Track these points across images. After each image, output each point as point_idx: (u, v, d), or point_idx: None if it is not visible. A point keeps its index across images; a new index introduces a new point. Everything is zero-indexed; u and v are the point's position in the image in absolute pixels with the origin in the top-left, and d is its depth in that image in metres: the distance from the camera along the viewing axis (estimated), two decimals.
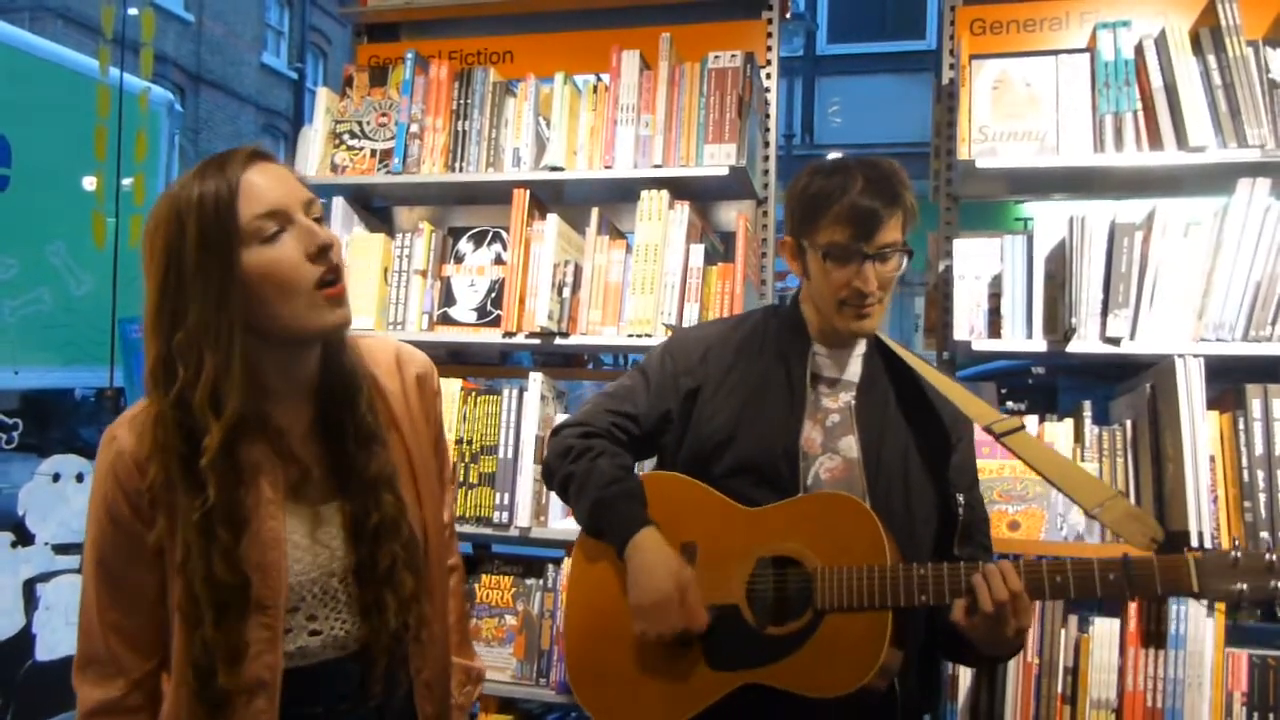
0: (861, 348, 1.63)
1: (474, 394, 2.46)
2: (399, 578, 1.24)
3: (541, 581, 2.43)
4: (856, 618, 1.41)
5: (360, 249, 2.56)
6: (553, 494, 2.38)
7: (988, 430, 1.58)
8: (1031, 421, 2.22)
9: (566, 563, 2.36)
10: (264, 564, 1.16)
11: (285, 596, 1.17)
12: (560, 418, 2.35)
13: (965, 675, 2.10)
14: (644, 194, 2.37)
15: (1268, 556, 1.30)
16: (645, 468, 1.79)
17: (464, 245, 2.58)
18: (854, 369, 1.62)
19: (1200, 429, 1.95)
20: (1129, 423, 2.12)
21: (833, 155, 1.61)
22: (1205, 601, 1.36)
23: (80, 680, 1.21)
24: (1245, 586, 1.30)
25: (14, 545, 2.81)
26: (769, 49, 2.56)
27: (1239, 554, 1.31)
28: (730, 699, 1.47)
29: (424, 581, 1.29)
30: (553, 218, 2.42)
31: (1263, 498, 1.94)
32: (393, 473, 1.25)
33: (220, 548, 1.12)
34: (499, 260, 2.52)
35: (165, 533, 1.15)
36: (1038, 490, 2.11)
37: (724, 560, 1.52)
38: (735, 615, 1.49)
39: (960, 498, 1.60)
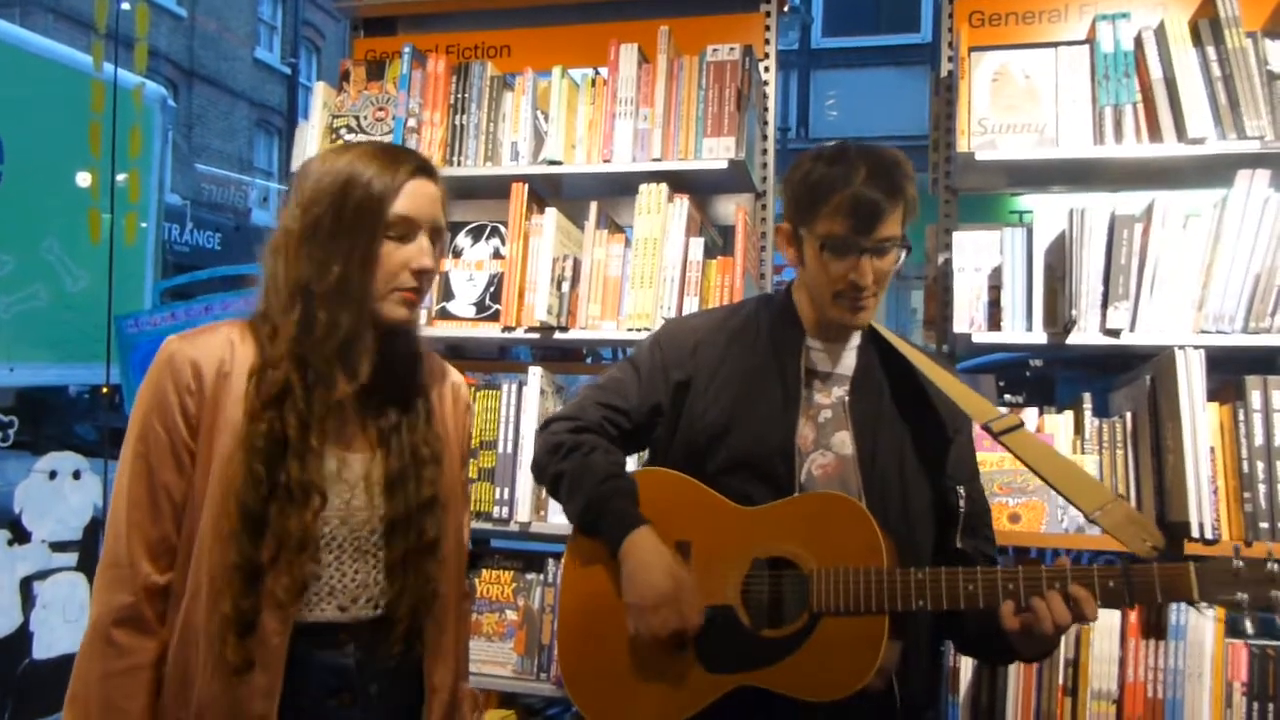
0: (856, 340, 1.60)
1: (473, 389, 2.45)
2: (428, 555, 1.33)
3: (541, 576, 2.43)
4: (853, 621, 1.40)
5: None
6: None
7: (985, 428, 1.55)
8: (1031, 414, 2.22)
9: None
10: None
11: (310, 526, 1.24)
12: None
13: (966, 668, 2.10)
14: (643, 188, 2.36)
15: (1269, 566, 1.29)
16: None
17: (462, 239, 2.57)
18: (848, 362, 1.59)
19: (1200, 420, 1.96)
20: (1129, 414, 2.12)
21: (833, 142, 1.57)
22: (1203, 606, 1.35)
23: (98, 586, 1.24)
24: (1246, 596, 1.29)
25: (10, 543, 2.81)
26: (767, 42, 2.56)
27: (1241, 563, 1.30)
28: (726, 701, 1.46)
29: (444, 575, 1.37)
30: (551, 211, 2.41)
31: (1262, 489, 1.95)
32: (440, 453, 1.37)
33: (298, 454, 1.22)
34: (497, 254, 2.51)
35: (206, 437, 1.23)
36: (1038, 483, 2.10)
37: (719, 560, 1.51)
38: (730, 617, 1.48)
39: (961, 490, 1.59)
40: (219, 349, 1.26)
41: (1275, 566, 1.28)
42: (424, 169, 1.32)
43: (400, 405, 1.34)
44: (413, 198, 1.28)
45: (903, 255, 1.51)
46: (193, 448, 1.24)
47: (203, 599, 1.20)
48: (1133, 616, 2.01)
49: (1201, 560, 1.33)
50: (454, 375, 1.50)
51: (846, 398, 1.56)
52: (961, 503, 1.57)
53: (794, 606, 1.45)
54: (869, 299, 1.50)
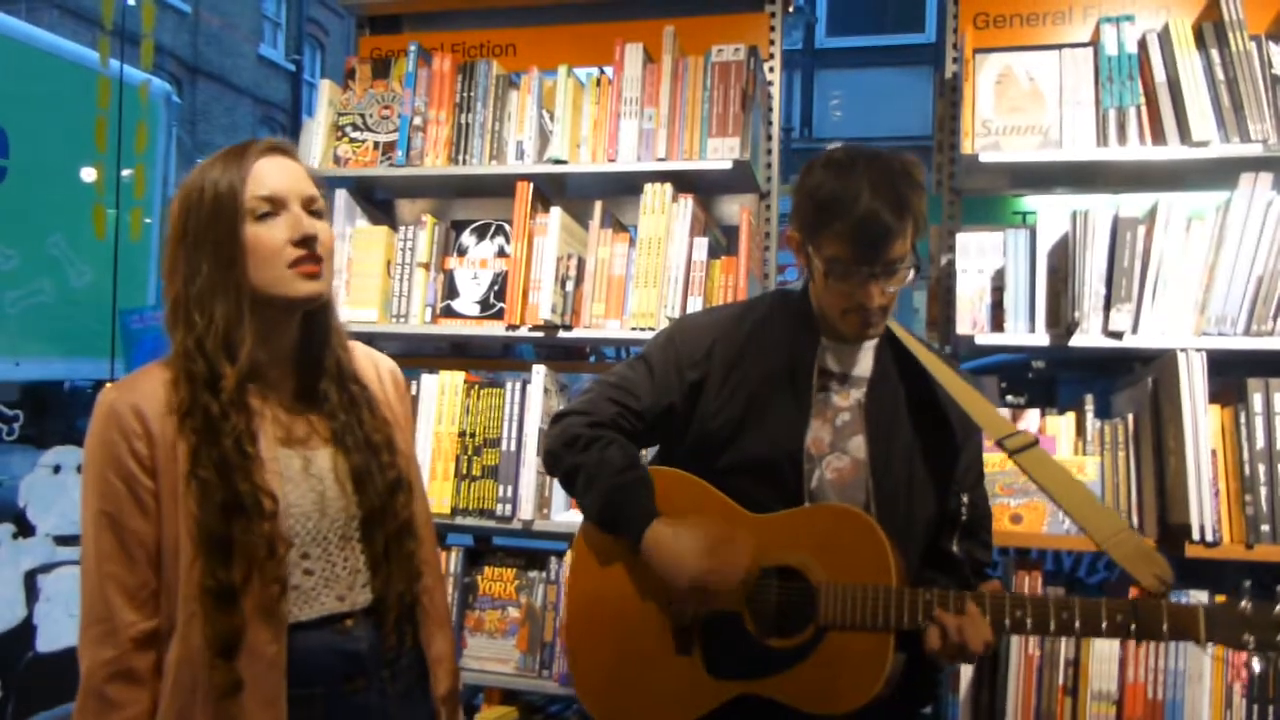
0: (872, 341, 1.59)
1: (477, 387, 2.46)
2: (406, 535, 1.36)
3: (544, 574, 2.44)
4: (859, 636, 1.40)
5: (363, 242, 2.56)
6: (555, 487, 2.39)
7: (999, 445, 1.53)
8: (1033, 415, 2.23)
9: (569, 556, 2.37)
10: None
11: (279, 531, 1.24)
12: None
13: (966, 667, 2.11)
14: (647, 187, 2.36)
15: (1278, 609, 1.29)
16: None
17: (467, 238, 2.57)
18: (865, 364, 1.57)
19: (1202, 423, 1.96)
20: (1130, 416, 2.13)
21: (838, 145, 1.55)
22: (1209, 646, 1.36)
23: (83, 644, 1.23)
24: (1252, 638, 1.30)
25: (15, 537, 2.82)
26: (772, 42, 2.56)
27: (1249, 606, 1.30)
28: (730, 707, 1.47)
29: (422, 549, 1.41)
30: (556, 211, 2.42)
31: (1264, 491, 1.95)
32: (391, 436, 1.38)
33: (242, 471, 1.21)
34: (502, 253, 2.52)
35: (167, 477, 1.22)
36: None
37: None
38: (737, 623, 1.48)
39: (964, 497, 1.59)
40: (159, 389, 1.25)
41: None
42: (274, 148, 1.31)
43: (340, 398, 1.35)
44: (267, 175, 1.27)
45: (912, 274, 1.47)
46: (155, 489, 1.22)
47: (192, 635, 1.20)
48: None
49: (1212, 604, 1.35)
50: (386, 361, 1.51)
51: (864, 400, 1.55)
52: (963, 510, 1.58)
53: (800, 617, 1.45)
54: (877, 317, 1.49)
